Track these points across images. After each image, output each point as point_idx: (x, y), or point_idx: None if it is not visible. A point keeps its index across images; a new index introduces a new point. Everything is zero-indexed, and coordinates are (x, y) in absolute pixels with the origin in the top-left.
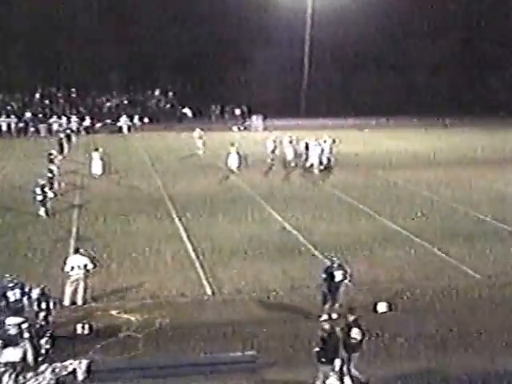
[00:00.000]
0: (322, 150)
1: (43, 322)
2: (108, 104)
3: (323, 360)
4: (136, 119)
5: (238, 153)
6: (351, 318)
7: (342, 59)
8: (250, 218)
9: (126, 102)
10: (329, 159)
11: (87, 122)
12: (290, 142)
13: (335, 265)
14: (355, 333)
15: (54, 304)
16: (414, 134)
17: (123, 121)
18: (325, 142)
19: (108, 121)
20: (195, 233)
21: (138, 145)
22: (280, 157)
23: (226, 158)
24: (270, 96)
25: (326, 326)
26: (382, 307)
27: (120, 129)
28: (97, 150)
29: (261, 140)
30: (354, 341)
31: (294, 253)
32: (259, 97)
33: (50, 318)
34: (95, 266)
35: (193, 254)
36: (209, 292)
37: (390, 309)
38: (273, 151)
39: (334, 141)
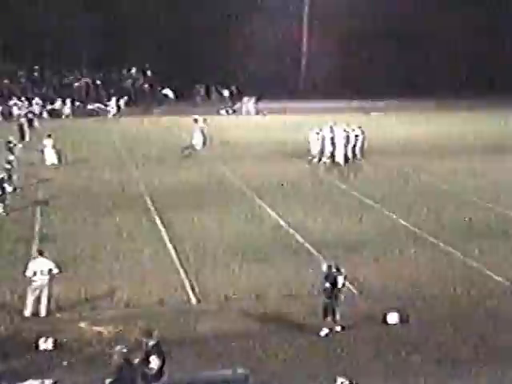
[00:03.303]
0: (348, 139)
1: None
2: (76, 84)
3: None
4: (112, 101)
5: (202, 131)
6: (151, 342)
7: (346, 32)
8: (240, 214)
9: (97, 81)
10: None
11: (54, 104)
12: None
13: (334, 269)
14: (153, 362)
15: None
16: (429, 118)
17: (95, 103)
18: (353, 130)
19: (77, 103)
20: (177, 231)
21: (111, 131)
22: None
23: (190, 136)
24: (263, 75)
25: (123, 350)
26: (392, 318)
27: (91, 112)
28: (49, 136)
29: (253, 124)
30: (151, 371)
31: (290, 254)
32: (251, 76)
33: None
34: (61, 270)
35: (174, 256)
36: (193, 300)
37: (402, 320)
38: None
39: (362, 131)
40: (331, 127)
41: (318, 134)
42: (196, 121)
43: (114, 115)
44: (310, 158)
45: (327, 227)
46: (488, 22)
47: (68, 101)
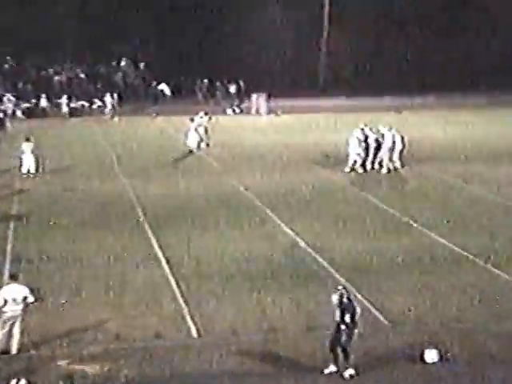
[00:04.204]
0: (394, 143)
1: None
2: (57, 78)
3: None
4: (107, 98)
5: (196, 129)
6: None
7: (371, 21)
8: (249, 232)
9: (81, 75)
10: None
11: (30, 102)
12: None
13: (345, 298)
14: None
15: None
16: (473, 117)
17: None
18: (389, 132)
19: (58, 100)
20: (175, 252)
21: (97, 133)
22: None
23: (184, 135)
24: (276, 69)
25: None
26: (431, 355)
27: (72, 111)
28: (28, 139)
29: (265, 125)
30: None
31: (308, 279)
32: (262, 69)
33: None
34: (38, 298)
35: (172, 281)
36: (194, 333)
37: (442, 357)
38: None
39: (400, 135)
40: (362, 129)
41: (360, 137)
42: (192, 120)
43: (109, 115)
44: (350, 167)
45: (354, 248)
46: None
47: (44, 98)
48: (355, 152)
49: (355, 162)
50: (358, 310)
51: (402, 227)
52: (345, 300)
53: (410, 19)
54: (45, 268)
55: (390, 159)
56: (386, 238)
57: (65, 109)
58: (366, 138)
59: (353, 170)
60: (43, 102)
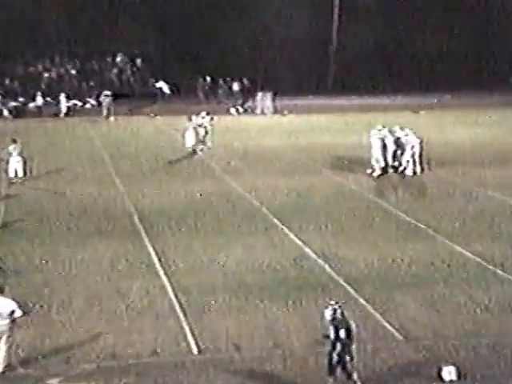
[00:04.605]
0: (413, 146)
1: None
2: (47, 74)
3: None
4: (92, 97)
5: (194, 129)
6: None
7: (386, 10)
8: (255, 241)
9: (73, 71)
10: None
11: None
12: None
13: (338, 313)
14: None
15: None
16: (499, 117)
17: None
18: (406, 135)
19: (48, 99)
20: (174, 262)
21: (91, 134)
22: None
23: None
24: (283, 65)
25: None
26: (449, 373)
27: (64, 110)
28: (15, 141)
29: (270, 126)
30: None
31: (318, 292)
32: (268, 66)
33: None
34: (26, 312)
35: (171, 294)
36: (194, 349)
37: (461, 375)
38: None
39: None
40: (379, 131)
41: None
42: (190, 119)
43: (104, 115)
44: (370, 170)
45: (367, 259)
46: None
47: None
48: (379, 155)
49: (386, 164)
50: (353, 325)
51: (418, 235)
52: (338, 315)
53: (425, 10)
54: (33, 279)
55: (414, 163)
56: (401, 247)
57: (64, 108)
58: (383, 140)
59: (383, 174)
60: (39, 101)
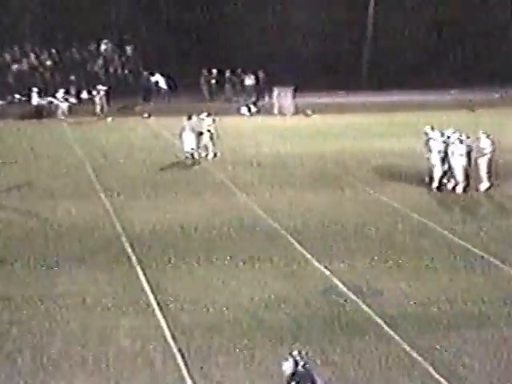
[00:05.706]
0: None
1: None
2: (16, 66)
3: None
4: (71, 94)
5: (192, 128)
6: None
7: None
8: (270, 268)
9: (48, 62)
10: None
11: None
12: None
13: (300, 367)
14: None
15: None
16: None
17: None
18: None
19: (17, 96)
20: (172, 296)
21: (69, 138)
22: None
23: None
24: (304, 56)
25: None
26: None
27: (38, 110)
28: None
29: (290, 129)
30: None
31: (347, 332)
32: (287, 57)
33: None
34: None
35: (168, 335)
36: None
37: None
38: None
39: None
40: (426, 133)
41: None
42: (190, 117)
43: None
44: (427, 179)
45: (409, 293)
46: None
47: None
48: (436, 162)
49: (444, 174)
50: (320, 381)
51: (475, 264)
52: (300, 369)
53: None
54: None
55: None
56: (454, 280)
57: (64, 108)
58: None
59: (441, 185)
60: (35, 100)
